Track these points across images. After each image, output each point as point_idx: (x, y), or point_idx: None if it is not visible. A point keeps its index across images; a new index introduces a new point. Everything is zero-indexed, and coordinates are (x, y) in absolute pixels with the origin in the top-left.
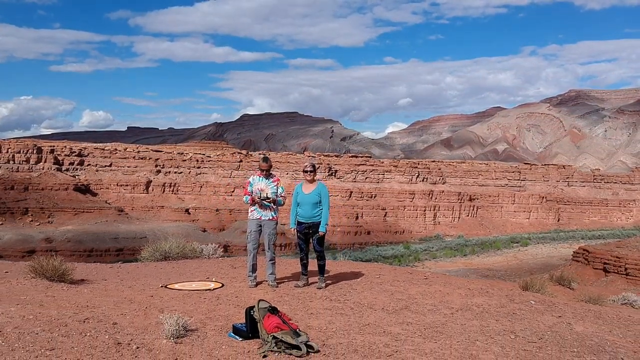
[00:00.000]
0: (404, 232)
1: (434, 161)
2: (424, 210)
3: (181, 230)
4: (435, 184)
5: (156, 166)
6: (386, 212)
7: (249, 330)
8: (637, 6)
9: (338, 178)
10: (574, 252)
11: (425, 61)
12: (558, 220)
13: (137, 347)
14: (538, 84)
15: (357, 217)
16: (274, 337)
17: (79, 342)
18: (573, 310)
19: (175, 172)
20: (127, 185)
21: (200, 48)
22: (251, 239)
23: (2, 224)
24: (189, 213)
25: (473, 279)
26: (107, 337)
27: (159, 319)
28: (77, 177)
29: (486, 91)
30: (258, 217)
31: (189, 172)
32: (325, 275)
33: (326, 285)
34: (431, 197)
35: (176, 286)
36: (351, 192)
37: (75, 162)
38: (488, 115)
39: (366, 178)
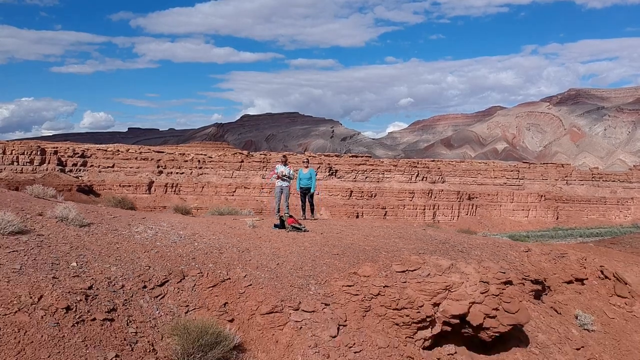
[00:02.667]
0: None
1: (433, 160)
2: (424, 209)
3: None
4: (434, 183)
5: (158, 167)
6: (386, 211)
7: (281, 225)
8: (639, 5)
9: (338, 178)
10: None
11: (426, 61)
12: (557, 219)
13: (238, 228)
14: (539, 83)
15: (357, 216)
16: (292, 225)
17: (216, 226)
18: (435, 230)
19: (177, 173)
20: (129, 186)
21: (201, 49)
22: (277, 196)
23: None
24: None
25: None
26: (228, 225)
27: (243, 222)
28: (80, 178)
29: (487, 90)
30: (280, 185)
31: (191, 173)
32: (313, 214)
33: (315, 218)
34: (430, 196)
35: (240, 218)
36: (351, 191)
37: (79, 163)
38: (488, 114)
39: (366, 177)
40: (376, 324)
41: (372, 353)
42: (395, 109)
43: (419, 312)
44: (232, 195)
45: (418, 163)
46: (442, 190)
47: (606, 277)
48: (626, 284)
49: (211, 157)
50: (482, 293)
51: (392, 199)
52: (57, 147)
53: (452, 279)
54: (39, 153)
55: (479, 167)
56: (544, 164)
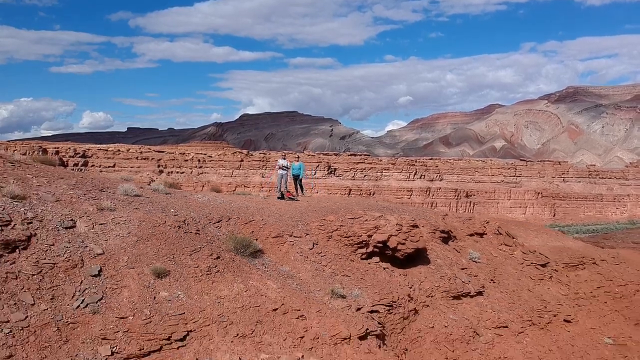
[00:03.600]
0: None
1: (431, 159)
2: (422, 207)
3: None
4: (432, 181)
5: (158, 166)
6: None
7: (281, 197)
8: (638, 2)
9: (337, 176)
10: None
11: (425, 59)
12: (554, 216)
13: (255, 199)
14: (538, 80)
15: None
16: (288, 197)
17: (241, 197)
18: (385, 202)
19: (178, 172)
20: None
21: (201, 48)
22: (278, 180)
23: None
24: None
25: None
26: (248, 198)
27: (257, 196)
28: None
29: (486, 88)
30: (281, 173)
31: (191, 172)
32: (303, 193)
33: (304, 195)
34: (428, 194)
35: (254, 194)
36: (350, 189)
37: (80, 163)
38: (487, 112)
39: (365, 176)
40: (334, 244)
41: (331, 256)
42: (395, 107)
43: (359, 239)
44: (232, 194)
45: (416, 161)
46: (440, 188)
47: (500, 233)
48: (513, 238)
49: (211, 157)
50: (397, 230)
51: (390, 197)
52: (58, 147)
53: (380, 222)
54: (40, 153)
55: (477, 165)
56: (541, 161)
